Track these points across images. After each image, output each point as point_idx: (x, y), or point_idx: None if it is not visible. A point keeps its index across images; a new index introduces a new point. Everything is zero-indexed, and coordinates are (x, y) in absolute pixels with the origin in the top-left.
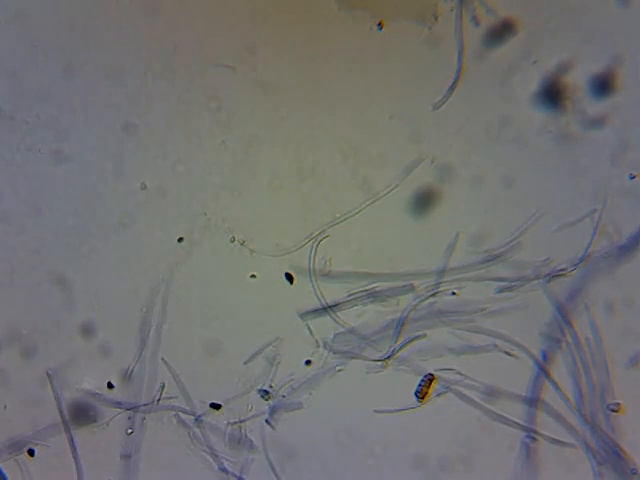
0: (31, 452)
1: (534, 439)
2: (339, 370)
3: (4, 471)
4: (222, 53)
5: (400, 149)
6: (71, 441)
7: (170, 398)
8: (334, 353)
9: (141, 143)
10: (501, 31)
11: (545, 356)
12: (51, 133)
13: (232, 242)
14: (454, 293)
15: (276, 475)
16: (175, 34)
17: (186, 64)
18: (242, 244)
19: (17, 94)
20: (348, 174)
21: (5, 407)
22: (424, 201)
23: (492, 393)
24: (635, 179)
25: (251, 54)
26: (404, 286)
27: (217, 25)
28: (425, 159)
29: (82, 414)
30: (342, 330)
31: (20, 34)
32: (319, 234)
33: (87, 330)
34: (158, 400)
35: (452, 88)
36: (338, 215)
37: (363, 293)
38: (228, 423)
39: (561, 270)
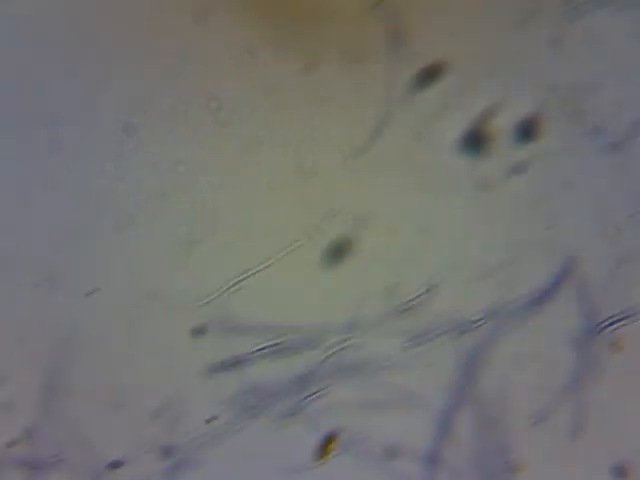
0: None
1: None
2: (241, 427)
3: None
4: (222, 53)
5: None
6: None
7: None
8: (239, 409)
9: (141, 143)
10: (428, 75)
11: (448, 412)
12: (51, 133)
13: (142, 295)
14: (359, 347)
15: None
16: (175, 34)
17: (186, 64)
18: (153, 296)
19: (17, 94)
20: (348, 174)
21: None
22: (337, 252)
23: (392, 450)
24: (551, 229)
25: (251, 54)
26: (311, 340)
27: (217, 25)
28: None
29: None
30: (247, 386)
31: (21, 33)
32: (230, 287)
33: None
34: (58, 456)
35: (377, 132)
36: (250, 267)
37: (270, 347)
38: None
39: (471, 323)
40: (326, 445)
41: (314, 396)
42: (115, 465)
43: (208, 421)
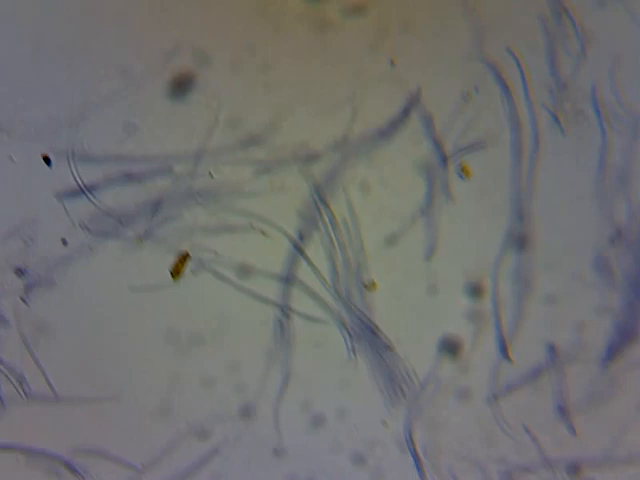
0: None
1: (288, 316)
2: (93, 248)
3: None
4: (222, 53)
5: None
6: None
7: None
8: (90, 232)
9: (141, 143)
10: None
11: (301, 236)
12: (51, 133)
13: None
14: (211, 174)
15: (28, 349)
16: (175, 34)
17: (186, 64)
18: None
19: (17, 94)
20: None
21: None
22: (182, 85)
23: (246, 271)
24: (395, 65)
25: (251, 54)
26: (161, 168)
27: (217, 25)
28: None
29: None
30: (98, 210)
31: (21, 33)
32: (77, 118)
33: None
34: None
35: None
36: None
37: (120, 175)
38: None
39: (317, 152)
40: (179, 264)
41: (166, 220)
42: None
43: (61, 244)
